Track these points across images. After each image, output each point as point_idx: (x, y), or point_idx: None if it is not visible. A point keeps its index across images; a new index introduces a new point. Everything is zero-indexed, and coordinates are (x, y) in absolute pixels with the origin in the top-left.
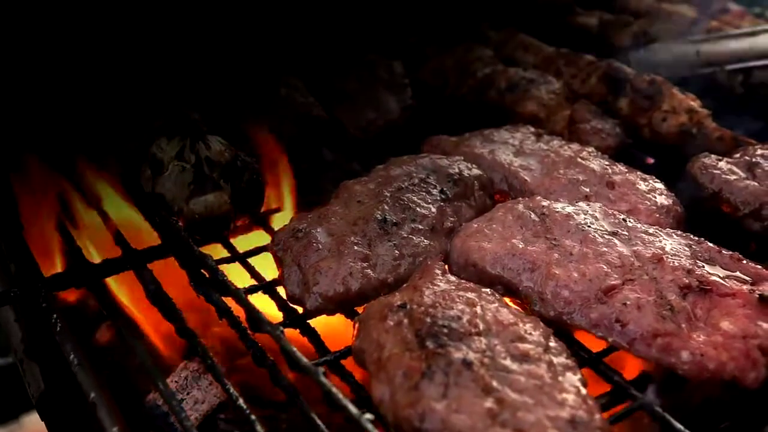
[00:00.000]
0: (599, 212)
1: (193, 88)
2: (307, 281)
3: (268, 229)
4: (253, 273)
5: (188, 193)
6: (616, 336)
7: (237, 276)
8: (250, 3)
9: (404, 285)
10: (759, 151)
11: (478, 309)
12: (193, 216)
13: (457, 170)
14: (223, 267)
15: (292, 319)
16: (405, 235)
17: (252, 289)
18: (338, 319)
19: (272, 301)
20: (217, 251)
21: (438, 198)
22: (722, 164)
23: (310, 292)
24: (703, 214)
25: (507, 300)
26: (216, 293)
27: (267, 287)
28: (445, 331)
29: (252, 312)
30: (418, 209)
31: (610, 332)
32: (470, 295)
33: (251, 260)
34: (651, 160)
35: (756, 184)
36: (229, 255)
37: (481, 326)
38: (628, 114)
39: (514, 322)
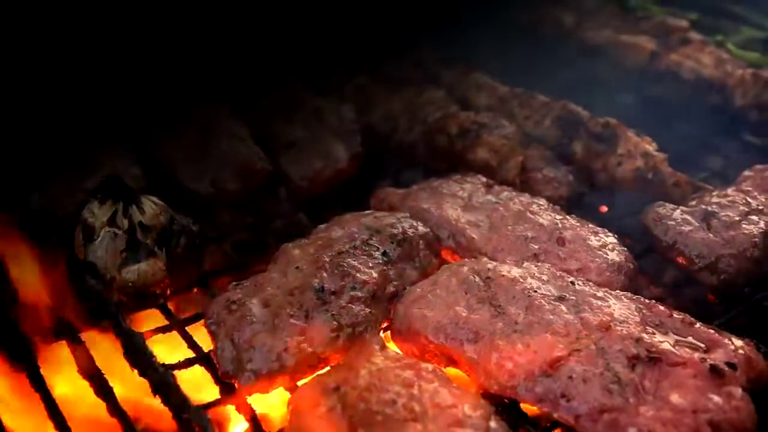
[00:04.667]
0: (546, 274)
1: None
2: (241, 358)
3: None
4: (191, 342)
5: (121, 260)
6: (561, 411)
7: (175, 345)
8: (192, 47)
9: (341, 362)
10: (715, 199)
11: (415, 390)
12: (126, 285)
13: (400, 230)
14: (160, 337)
15: (226, 395)
16: (344, 305)
17: (187, 363)
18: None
19: (209, 374)
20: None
21: (380, 261)
22: (677, 214)
23: (244, 370)
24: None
25: (451, 369)
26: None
27: (204, 358)
28: (379, 418)
29: (177, 396)
30: (358, 275)
31: (556, 407)
32: (408, 374)
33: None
34: (605, 209)
35: (711, 236)
36: (167, 323)
37: (418, 410)
38: (583, 158)
39: (453, 404)
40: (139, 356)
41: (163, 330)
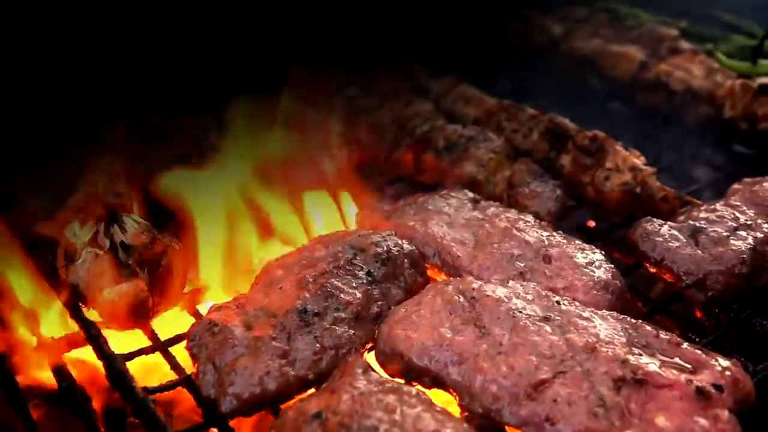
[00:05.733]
0: (532, 293)
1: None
2: (222, 382)
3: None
4: (174, 364)
5: (103, 281)
6: None
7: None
8: (177, 58)
9: (323, 385)
10: (703, 214)
11: (397, 416)
12: (108, 305)
13: (385, 248)
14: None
15: (210, 418)
16: (327, 326)
17: (169, 385)
18: None
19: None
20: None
21: (364, 281)
22: (665, 230)
23: (225, 394)
24: None
25: (435, 391)
26: None
27: (186, 381)
28: None
29: (156, 423)
30: (342, 296)
31: (541, 431)
32: (390, 398)
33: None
34: (593, 223)
35: (699, 252)
36: (150, 343)
37: None
38: (571, 172)
39: (436, 429)
40: (119, 380)
41: (145, 351)
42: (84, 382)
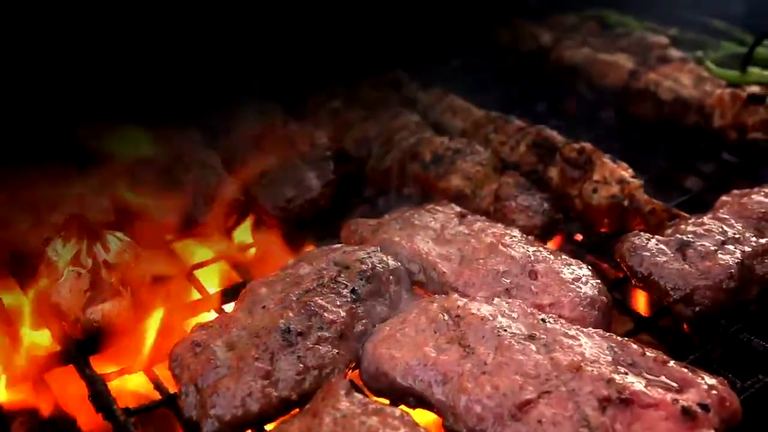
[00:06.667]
0: (517, 311)
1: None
2: (204, 403)
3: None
4: (157, 384)
5: (85, 300)
6: None
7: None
8: (161, 70)
9: (306, 407)
10: (691, 228)
11: None
12: (90, 325)
13: (370, 265)
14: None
15: None
16: (310, 346)
17: (152, 405)
18: None
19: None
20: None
21: (348, 299)
22: (652, 244)
23: (208, 416)
24: None
25: (420, 412)
26: None
27: (169, 401)
28: None
29: None
30: (326, 314)
31: None
32: (373, 420)
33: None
34: (580, 237)
35: (687, 266)
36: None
37: None
38: (559, 184)
39: None
40: (100, 401)
41: (129, 371)
42: (68, 401)
